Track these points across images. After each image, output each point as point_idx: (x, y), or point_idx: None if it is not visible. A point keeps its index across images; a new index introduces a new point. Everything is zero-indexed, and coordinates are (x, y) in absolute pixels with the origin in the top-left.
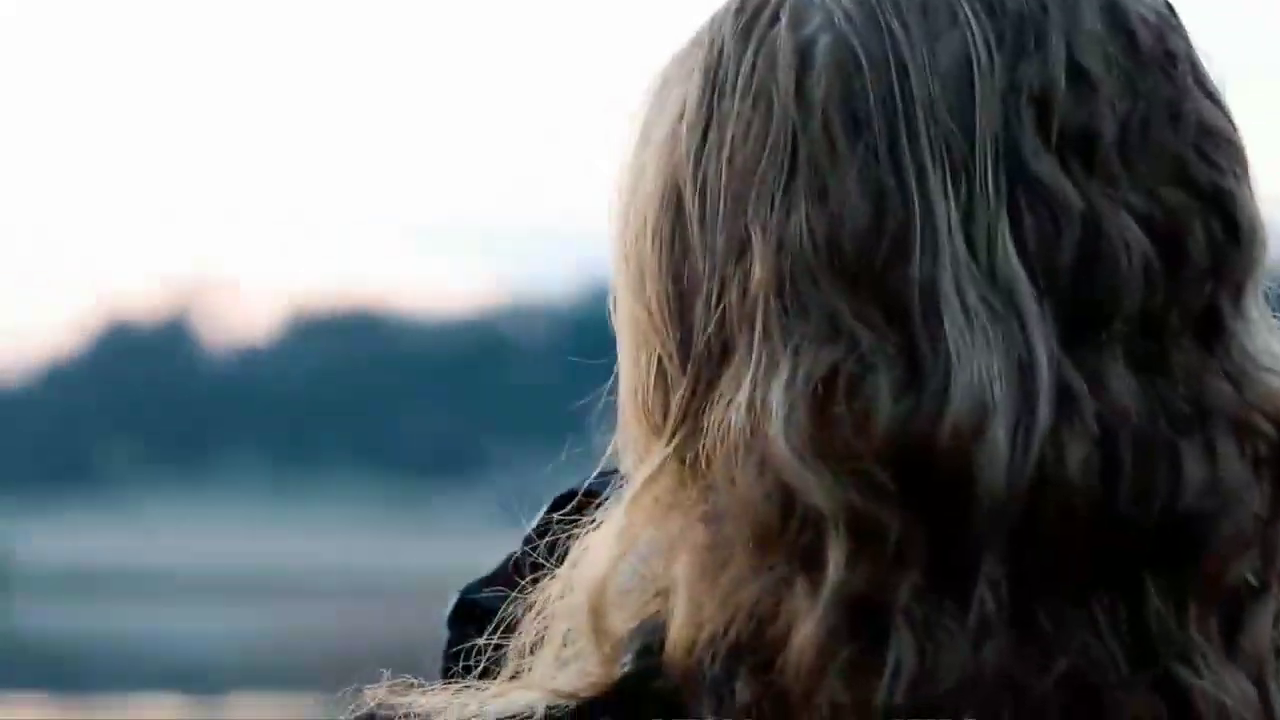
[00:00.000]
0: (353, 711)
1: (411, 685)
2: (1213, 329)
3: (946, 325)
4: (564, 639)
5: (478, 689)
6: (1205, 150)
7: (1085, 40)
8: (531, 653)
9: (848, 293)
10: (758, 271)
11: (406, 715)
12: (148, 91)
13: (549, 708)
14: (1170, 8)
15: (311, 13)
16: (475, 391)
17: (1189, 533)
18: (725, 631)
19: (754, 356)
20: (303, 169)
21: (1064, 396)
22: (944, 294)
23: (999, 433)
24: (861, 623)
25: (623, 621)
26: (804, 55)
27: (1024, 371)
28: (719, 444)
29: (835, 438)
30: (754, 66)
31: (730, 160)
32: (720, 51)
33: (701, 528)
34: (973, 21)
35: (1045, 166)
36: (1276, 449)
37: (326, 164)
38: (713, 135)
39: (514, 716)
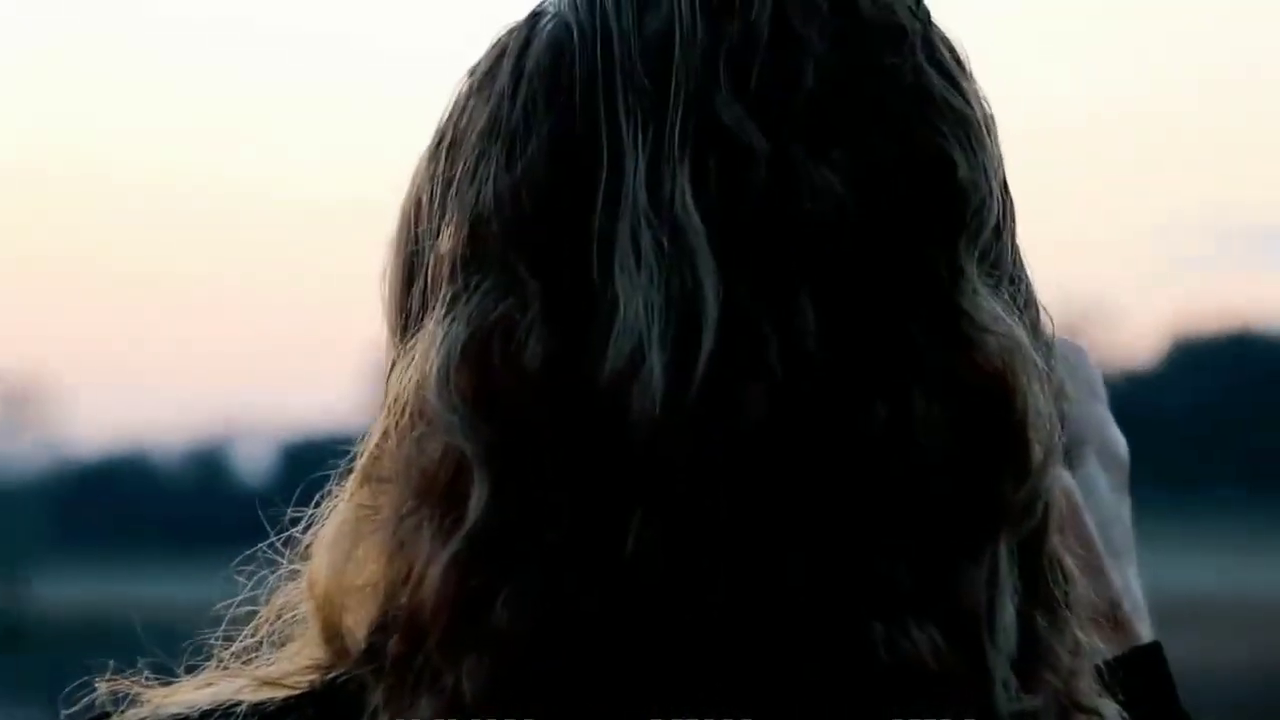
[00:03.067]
0: (88, 701)
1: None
2: (920, 284)
3: (616, 269)
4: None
5: (191, 681)
6: (925, 114)
7: (796, 6)
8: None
9: (527, 249)
10: (448, 239)
11: (123, 709)
12: None
13: (254, 704)
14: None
15: None
16: None
17: (872, 476)
18: (366, 587)
19: (436, 319)
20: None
21: (740, 333)
22: (619, 241)
23: (654, 367)
24: (493, 556)
25: (362, 615)
26: (528, 40)
27: (688, 307)
28: (392, 404)
29: (489, 383)
30: (489, 63)
31: (450, 150)
32: (477, 65)
33: (363, 489)
34: None
35: (733, 115)
36: (992, 406)
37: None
38: (447, 134)
39: (218, 707)
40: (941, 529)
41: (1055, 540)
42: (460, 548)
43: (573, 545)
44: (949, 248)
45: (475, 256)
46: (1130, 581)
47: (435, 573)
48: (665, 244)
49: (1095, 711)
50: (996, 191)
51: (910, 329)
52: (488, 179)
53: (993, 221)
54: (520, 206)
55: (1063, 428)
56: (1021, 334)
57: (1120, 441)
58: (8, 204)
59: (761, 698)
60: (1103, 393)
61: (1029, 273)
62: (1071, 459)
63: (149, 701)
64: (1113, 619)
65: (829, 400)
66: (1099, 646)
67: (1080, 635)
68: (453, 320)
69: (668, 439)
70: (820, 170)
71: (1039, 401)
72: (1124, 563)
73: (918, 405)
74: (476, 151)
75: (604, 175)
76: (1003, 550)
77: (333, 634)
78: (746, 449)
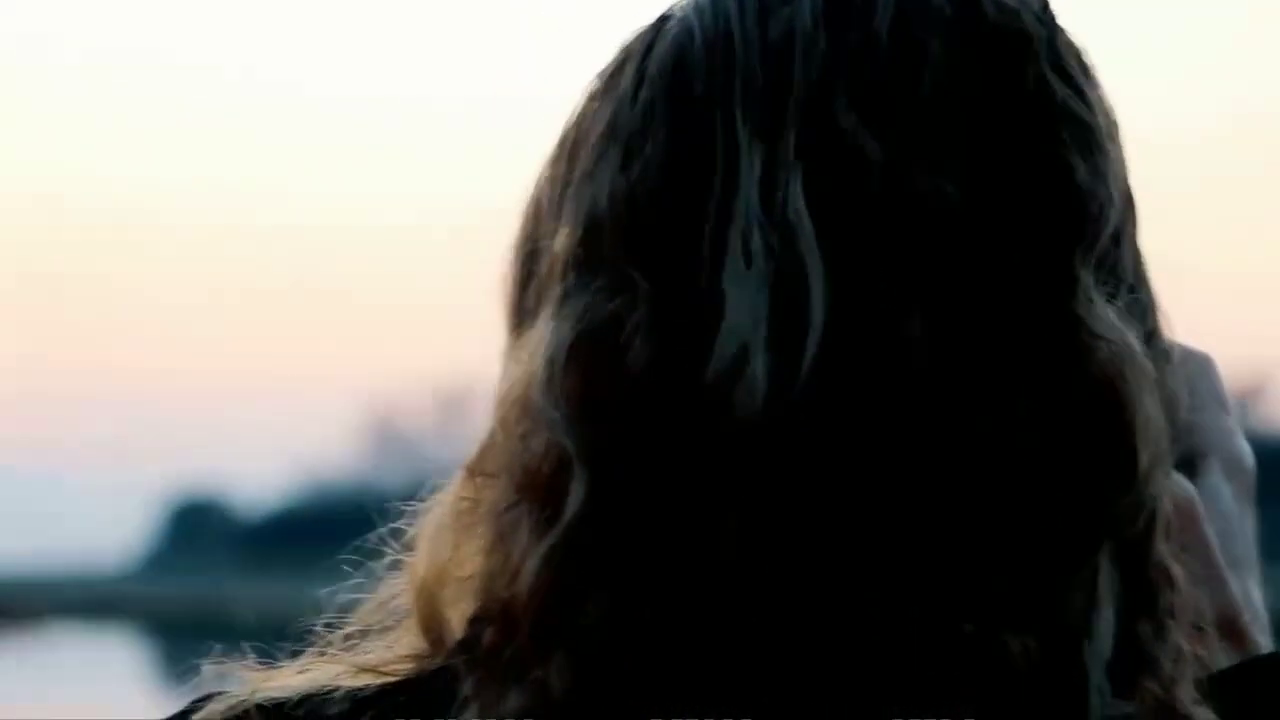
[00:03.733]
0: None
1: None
2: (1034, 292)
3: (725, 272)
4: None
5: (291, 666)
6: (1044, 122)
7: (919, 12)
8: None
9: (638, 250)
10: (563, 239)
11: (218, 693)
12: None
13: (350, 690)
14: (1043, 3)
15: None
16: None
17: (974, 482)
18: (467, 579)
19: (546, 317)
20: None
21: (846, 339)
22: (730, 244)
23: (759, 369)
24: (588, 552)
25: (463, 607)
26: (652, 44)
27: (795, 311)
28: (501, 400)
29: (594, 382)
30: (614, 66)
31: (571, 151)
32: (603, 68)
33: (468, 483)
34: None
35: (850, 123)
36: (1101, 414)
37: None
38: (569, 136)
39: (316, 692)
40: (1043, 535)
41: (1162, 547)
42: (556, 542)
43: (668, 544)
44: (1065, 255)
45: (588, 256)
46: (1251, 593)
47: (530, 566)
48: (775, 248)
49: None
50: (1117, 199)
51: (1021, 337)
52: (604, 180)
53: (1111, 229)
54: (635, 208)
55: (1178, 436)
56: (1134, 341)
57: (1246, 452)
58: None
59: (842, 696)
60: (1228, 403)
61: (1150, 279)
62: (1194, 469)
63: (248, 683)
64: (1231, 629)
65: (934, 408)
66: (1202, 655)
67: (1183, 643)
68: (562, 319)
69: (769, 441)
70: (935, 179)
71: (1149, 410)
72: (1245, 574)
73: (1024, 412)
74: (595, 153)
75: (719, 179)
76: (1105, 556)
77: (430, 624)
78: (848, 453)
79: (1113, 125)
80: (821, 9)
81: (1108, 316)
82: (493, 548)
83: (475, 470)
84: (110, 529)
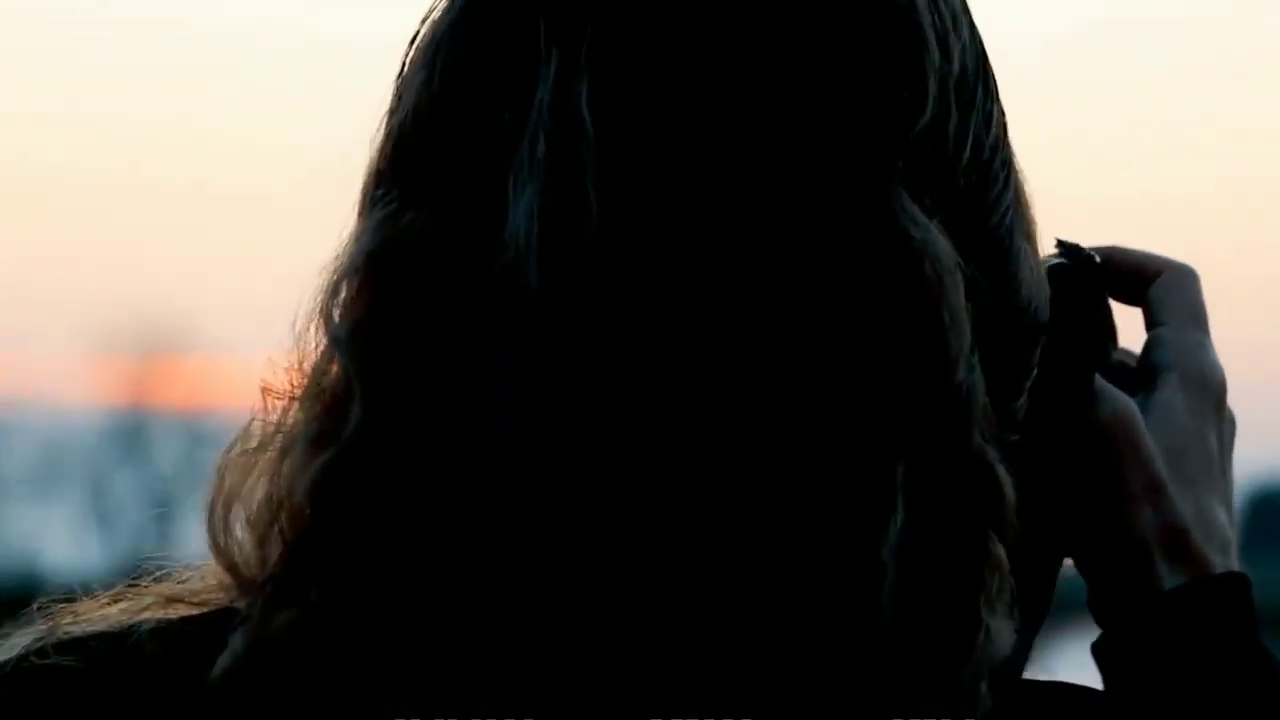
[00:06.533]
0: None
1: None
2: (834, 188)
3: (510, 177)
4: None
5: (100, 598)
6: (863, 22)
7: None
8: None
9: (432, 161)
10: (373, 152)
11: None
12: None
13: (157, 623)
14: None
15: None
16: None
17: (769, 376)
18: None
19: (350, 233)
20: None
21: (621, 234)
22: (520, 151)
23: (533, 274)
24: (360, 468)
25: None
26: None
27: (573, 209)
28: (302, 322)
29: (378, 299)
30: None
31: (399, 77)
32: None
33: (269, 404)
34: None
35: (646, 28)
36: (902, 306)
37: None
38: (403, 58)
39: (119, 628)
40: (838, 427)
41: (981, 446)
42: (328, 461)
43: (439, 453)
44: (875, 152)
45: (391, 170)
46: (1210, 511)
47: (302, 485)
48: (558, 151)
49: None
50: (935, 95)
51: (819, 230)
52: (412, 93)
53: (927, 120)
54: (434, 118)
55: (1031, 341)
56: (940, 237)
57: (1214, 368)
58: None
59: (609, 601)
60: (1205, 321)
61: (1018, 182)
62: (1152, 382)
63: (55, 620)
64: (1177, 548)
65: (715, 293)
66: (1001, 556)
67: (997, 549)
68: (359, 235)
69: (546, 339)
70: (733, 69)
71: (953, 300)
72: (1203, 491)
73: (819, 302)
74: (412, 68)
75: (515, 87)
76: (906, 454)
77: (219, 551)
78: (629, 351)
79: (954, 28)
80: None
81: (914, 213)
82: (278, 470)
83: (273, 392)
84: None
